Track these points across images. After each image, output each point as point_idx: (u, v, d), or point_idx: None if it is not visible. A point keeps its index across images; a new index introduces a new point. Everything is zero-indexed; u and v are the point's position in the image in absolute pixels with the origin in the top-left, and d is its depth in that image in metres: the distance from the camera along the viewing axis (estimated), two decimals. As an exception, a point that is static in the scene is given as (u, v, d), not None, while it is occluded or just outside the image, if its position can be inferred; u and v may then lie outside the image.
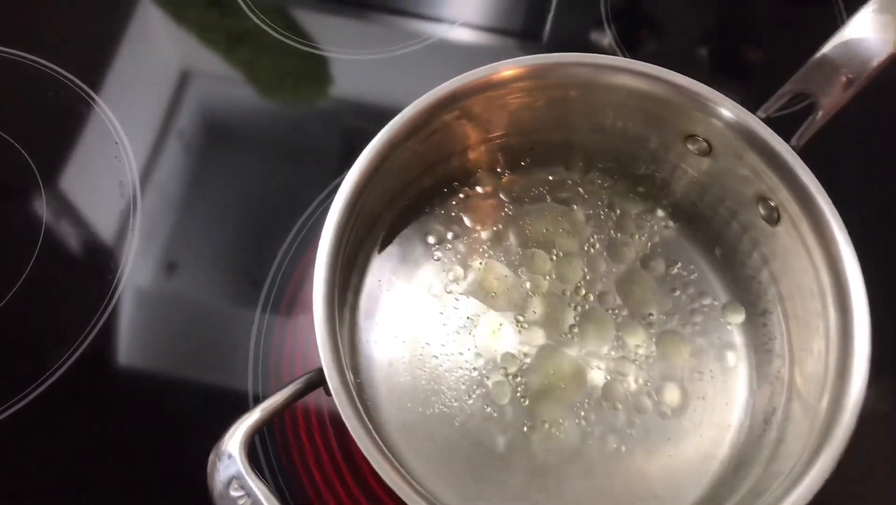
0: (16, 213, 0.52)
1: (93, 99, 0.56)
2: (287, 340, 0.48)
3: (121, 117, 0.55)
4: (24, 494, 0.44)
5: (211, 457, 0.32)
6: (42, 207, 0.52)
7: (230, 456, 0.32)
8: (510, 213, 0.48)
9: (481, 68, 0.41)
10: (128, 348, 0.48)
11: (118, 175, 0.53)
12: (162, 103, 0.57)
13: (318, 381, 0.35)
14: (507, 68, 0.41)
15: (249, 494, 0.31)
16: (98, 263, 0.50)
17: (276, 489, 0.44)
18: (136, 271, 0.50)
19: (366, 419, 0.35)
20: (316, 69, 0.59)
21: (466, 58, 0.60)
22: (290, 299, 0.49)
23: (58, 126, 0.55)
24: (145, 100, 0.57)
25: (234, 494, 0.31)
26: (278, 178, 0.54)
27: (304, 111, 0.58)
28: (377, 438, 0.34)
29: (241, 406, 0.46)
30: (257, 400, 0.45)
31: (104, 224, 0.52)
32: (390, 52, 0.59)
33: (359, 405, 0.35)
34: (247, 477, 0.32)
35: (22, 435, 0.45)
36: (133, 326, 0.48)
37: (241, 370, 0.47)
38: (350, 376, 0.39)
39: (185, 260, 0.51)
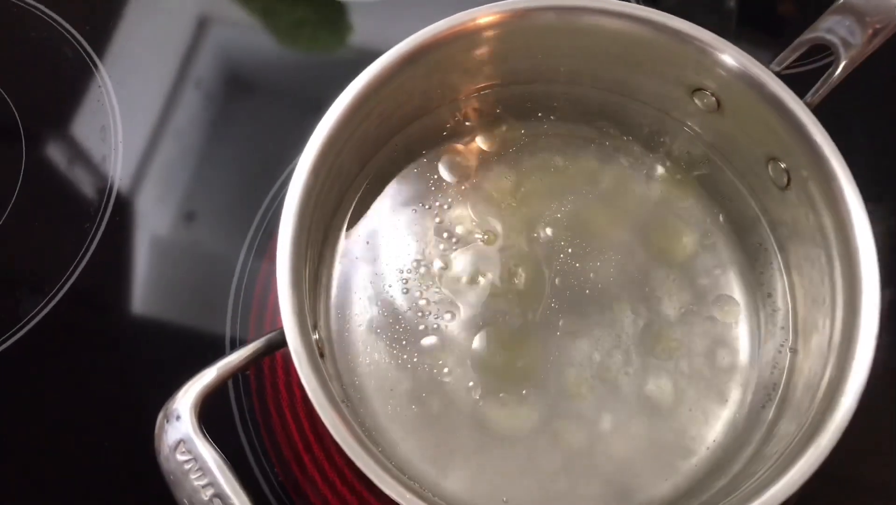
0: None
1: (97, 58, 0.54)
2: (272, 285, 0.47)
3: (126, 74, 0.54)
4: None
5: (159, 416, 0.31)
6: (21, 152, 0.51)
7: (179, 417, 0.30)
8: (496, 167, 0.45)
9: (455, 16, 0.37)
10: (119, 291, 0.47)
11: (102, 121, 0.52)
12: (178, 51, 0.55)
13: (279, 341, 0.33)
14: (484, 15, 0.38)
15: (196, 458, 0.30)
16: (80, 209, 0.49)
17: (251, 447, 0.42)
18: (150, 219, 0.49)
19: (330, 385, 0.33)
20: (334, 17, 0.56)
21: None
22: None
23: (57, 82, 0.53)
24: (159, 50, 0.55)
25: (180, 457, 0.30)
26: (297, 127, 0.52)
27: (323, 59, 0.56)
28: (341, 406, 0.33)
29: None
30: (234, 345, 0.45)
31: (93, 164, 0.51)
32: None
33: (324, 370, 0.33)
34: (195, 440, 0.30)
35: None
36: (143, 273, 0.48)
37: (221, 314, 0.46)
38: (318, 336, 0.38)
39: (203, 209, 0.50)
